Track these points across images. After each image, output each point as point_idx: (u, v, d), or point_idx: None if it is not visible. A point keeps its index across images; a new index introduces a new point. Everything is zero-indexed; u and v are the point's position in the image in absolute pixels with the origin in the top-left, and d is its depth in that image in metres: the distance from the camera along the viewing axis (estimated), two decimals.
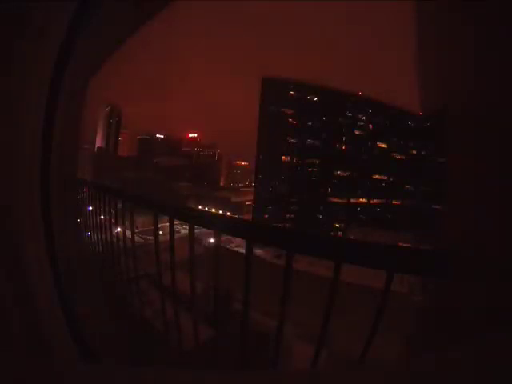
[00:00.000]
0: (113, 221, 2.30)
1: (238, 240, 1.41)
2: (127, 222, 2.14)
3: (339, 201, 43.68)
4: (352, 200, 44.12)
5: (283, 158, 43.58)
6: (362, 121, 44.60)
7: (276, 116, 43.68)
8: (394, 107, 44.74)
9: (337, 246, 1.09)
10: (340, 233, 41.52)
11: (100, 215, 2.58)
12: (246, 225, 1.46)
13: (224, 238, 1.37)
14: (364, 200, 44.50)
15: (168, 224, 1.59)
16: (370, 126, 44.66)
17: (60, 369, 0.54)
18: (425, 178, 41.71)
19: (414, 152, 44.54)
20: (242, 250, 1.28)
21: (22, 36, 0.79)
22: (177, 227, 1.61)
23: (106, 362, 1.25)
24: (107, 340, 1.47)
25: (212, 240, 1.41)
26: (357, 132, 44.45)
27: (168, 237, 1.59)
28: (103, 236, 2.58)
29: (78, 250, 1.63)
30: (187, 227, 1.47)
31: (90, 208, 2.76)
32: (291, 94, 43.25)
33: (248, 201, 50.62)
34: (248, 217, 43.25)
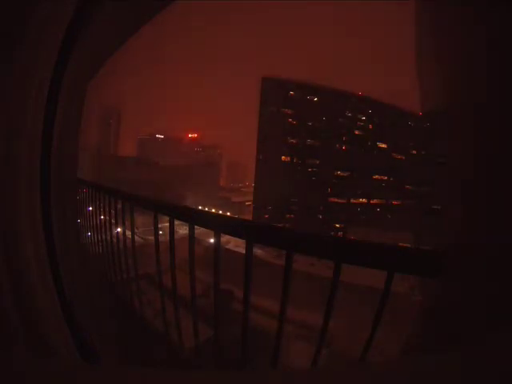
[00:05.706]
0: (113, 221, 2.30)
1: (237, 239, 1.42)
2: (127, 222, 2.15)
3: (339, 201, 43.64)
4: (352, 200, 44.09)
5: (283, 157, 43.53)
6: (362, 121, 44.57)
7: (276, 116, 43.63)
8: (394, 107, 44.71)
9: (337, 246, 1.09)
10: (340, 233, 41.49)
11: (100, 215, 2.58)
12: (246, 225, 1.46)
13: (223, 237, 1.37)
14: (364, 200, 44.47)
15: (168, 224, 1.59)
16: (370, 126, 44.63)
17: (60, 369, 0.54)
18: (425, 178, 41.67)
19: (414, 152, 44.52)
20: (242, 250, 1.28)
21: (22, 36, 0.79)
22: (176, 227, 1.61)
23: (106, 362, 1.25)
24: (107, 340, 1.47)
25: (211, 240, 1.41)
26: (357, 132, 44.42)
27: (168, 237, 1.59)
28: (103, 236, 2.59)
29: (78, 250, 1.63)
30: (187, 227, 1.47)
31: (90, 208, 2.77)
32: (291, 94, 43.19)
33: (248, 201, 50.59)
34: (248, 217, 43.20)
